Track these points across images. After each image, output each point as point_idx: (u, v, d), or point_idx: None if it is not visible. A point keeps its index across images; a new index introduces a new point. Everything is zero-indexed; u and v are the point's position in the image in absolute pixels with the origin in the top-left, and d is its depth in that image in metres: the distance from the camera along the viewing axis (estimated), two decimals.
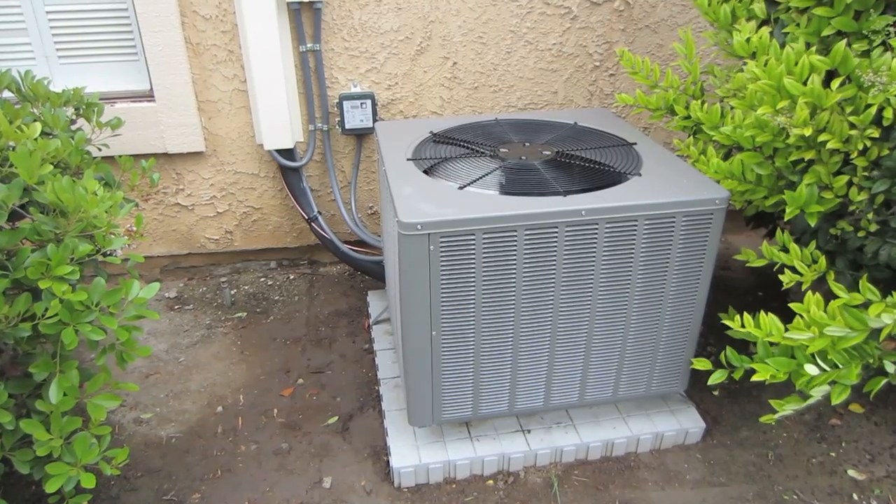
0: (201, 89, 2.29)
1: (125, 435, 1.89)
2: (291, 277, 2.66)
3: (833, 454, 1.79)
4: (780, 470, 1.74)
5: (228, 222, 2.55)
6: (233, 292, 2.56)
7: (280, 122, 2.27)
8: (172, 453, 1.83)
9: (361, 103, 2.33)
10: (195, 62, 2.25)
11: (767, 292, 2.48)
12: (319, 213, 2.47)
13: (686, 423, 1.81)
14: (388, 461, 1.76)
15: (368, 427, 1.90)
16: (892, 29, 1.37)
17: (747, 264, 1.67)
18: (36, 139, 1.46)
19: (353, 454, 1.81)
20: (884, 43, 1.38)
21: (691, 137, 1.94)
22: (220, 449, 1.84)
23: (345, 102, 2.32)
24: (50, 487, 1.33)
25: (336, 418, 1.94)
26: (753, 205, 1.78)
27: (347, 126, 2.36)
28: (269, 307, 2.48)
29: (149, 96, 2.30)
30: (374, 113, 2.36)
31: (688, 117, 1.92)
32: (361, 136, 2.44)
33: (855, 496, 1.67)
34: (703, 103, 1.82)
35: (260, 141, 2.33)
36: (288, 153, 2.37)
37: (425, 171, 1.66)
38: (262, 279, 2.65)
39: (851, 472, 1.73)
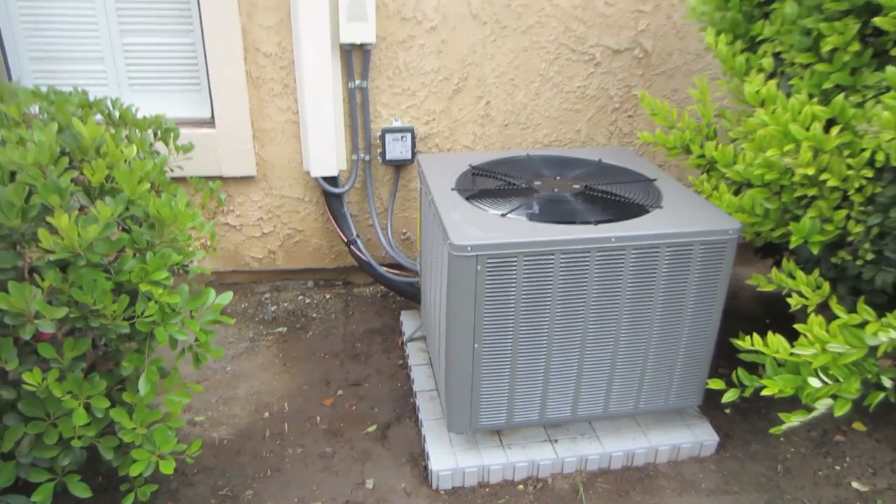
0: (257, 118, 2.51)
1: (181, 434, 2.04)
2: (328, 296, 2.84)
3: (838, 468, 1.93)
4: (789, 481, 1.88)
5: (272, 242, 2.74)
6: (273, 308, 2.73)
7: (327, 151, 2.48)
8: (225, 453, 1.98)
9: (402, 136, 2.54)
10: (254, 94, 2.48)
11: (774, 320, 2.64)
12: (358, 236, 2.66)
13: (701, 437, 1.96)
14: (425, 466, 1.91)
15: (405, 435, 2.05)
16: (883, 84, 1.57)
17: (758, 288, 1.85)
18: (133, 160, 1.66)
19: (393, 459, 1.96)
20: (876, 96, 1.58)
21: (705, 174, 2.14)
22: (268, 451, 1.99)
23: (387, 135, 2.54)
24: (134, 471, 1.49)
25: (375, 426, 2.09)
26: (762, 236, 1.97)
27: (388, 157, 2.57)
28: (307, 323, 2.65)
29: (209, 123, 2.52)
30: (413, 146, 2.57)
31: (702, 156, 2.12)
32: (400, 166, 2.65)
33: None
34: (716, 144, 2.02)
35: (307, 168, 2.53)
36: (332, 180, 2.58)
37: (468, 200, 1.86)
38: (301, 297, 2.83)
39: (855, 484, 1.87)
